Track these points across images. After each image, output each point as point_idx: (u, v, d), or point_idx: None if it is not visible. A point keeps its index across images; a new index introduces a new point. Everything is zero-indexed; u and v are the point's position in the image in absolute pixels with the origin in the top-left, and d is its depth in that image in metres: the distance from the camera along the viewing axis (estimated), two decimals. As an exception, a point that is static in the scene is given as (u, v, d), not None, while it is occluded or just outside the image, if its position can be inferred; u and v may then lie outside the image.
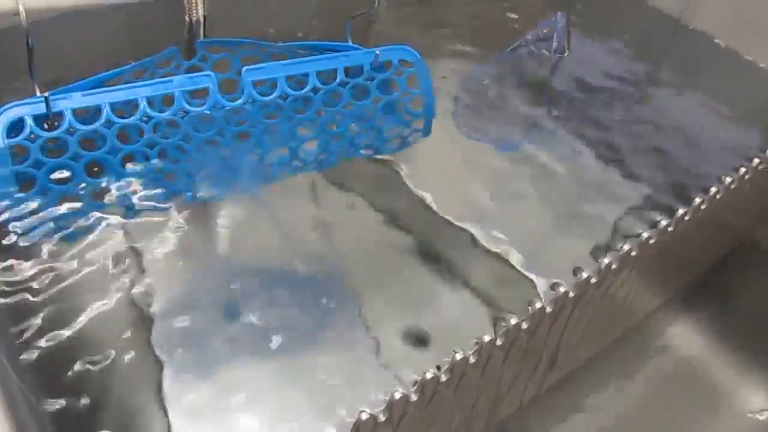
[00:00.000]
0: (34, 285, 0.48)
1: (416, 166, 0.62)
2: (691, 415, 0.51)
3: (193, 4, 0.59)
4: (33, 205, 0.51)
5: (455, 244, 0.55)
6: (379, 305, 0.50)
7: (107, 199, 0.53)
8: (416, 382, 0.33)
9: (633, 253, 0.41)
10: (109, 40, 0.66)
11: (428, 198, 0.59)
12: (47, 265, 0.49)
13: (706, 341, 0.55)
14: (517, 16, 0.83)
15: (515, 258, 0.55)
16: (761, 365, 0.54)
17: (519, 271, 0.54)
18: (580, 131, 0.67)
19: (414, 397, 0.32)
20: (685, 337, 0.55)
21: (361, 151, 0.62)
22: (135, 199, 0.54)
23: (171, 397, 0.44)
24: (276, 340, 0.47)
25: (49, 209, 0.51)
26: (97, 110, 0.52)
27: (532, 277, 0.53)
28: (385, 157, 0.62)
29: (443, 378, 0.33)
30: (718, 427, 0.50)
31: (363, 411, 0.31)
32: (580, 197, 0.61)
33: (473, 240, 0.56)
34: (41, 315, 0.46)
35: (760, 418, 0.50)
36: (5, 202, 0.50)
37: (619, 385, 0.51)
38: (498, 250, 0.55)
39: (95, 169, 0.53)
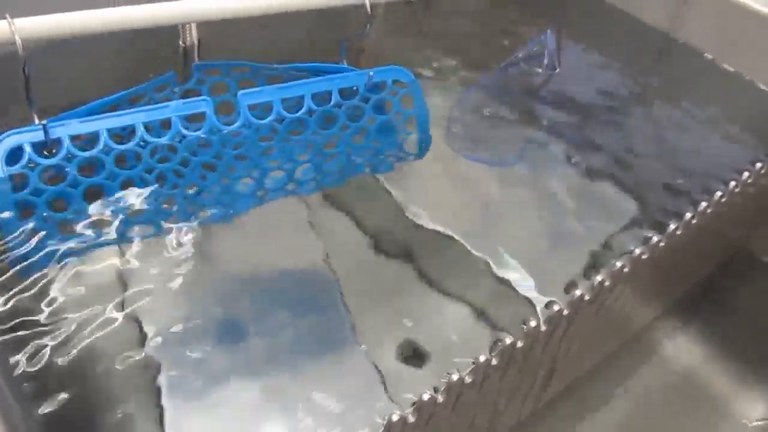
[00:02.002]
0: (32, 307, 0.48)
1: (410, 185, 0.62)
2: (690, 425, 0.51)
3: (187, 29, 0.60)
4: (32, 232, 0.51)
5: (450, 262, 0.56)
6: (374, 325, 0.51)
7: (106, 224, 0.54)
8: (414, 404, 0.33)
9: (626, 270, 0.42)
10: (105, 67, 0.67)
11: (422, 216, 0.59)
12: (45, 289, 0.49)
13: (703, 351, 0.55)
14: (507, 34, 0.83)
15: (510, 275, 0.55)
16: (759, 374, 0.54)
17: (514, 289, 0.54)
18: (572, 147, 0.68)
19: (411, 419, 0.33)
20: (683, 348, 0.55)
21: (357, 172, 0.62)
22: (133, 224, 0.54)
23: (168, 416, 0.44)
24: (270, 362, 0.47)
25: (49, 235, 0.52)
26: (95, 137, 0.52)
27: (527, 294, 0.53)
28: (380, 176, 0.62)
29: (440, 399, 0.34)
30: (717, 437, 0.50)
31: (362, 434, 0.32)
32: (573, 213, 0.61)
33: (468, 258, 0.56)
34: (37, 333, 0.46)
35: (759, 424, 0.50)
36: (5, 230, 0.51)
37: (618, 395, 0.51)
38: (493, 268, 0.56)
39: (94, 194, 0.54)
